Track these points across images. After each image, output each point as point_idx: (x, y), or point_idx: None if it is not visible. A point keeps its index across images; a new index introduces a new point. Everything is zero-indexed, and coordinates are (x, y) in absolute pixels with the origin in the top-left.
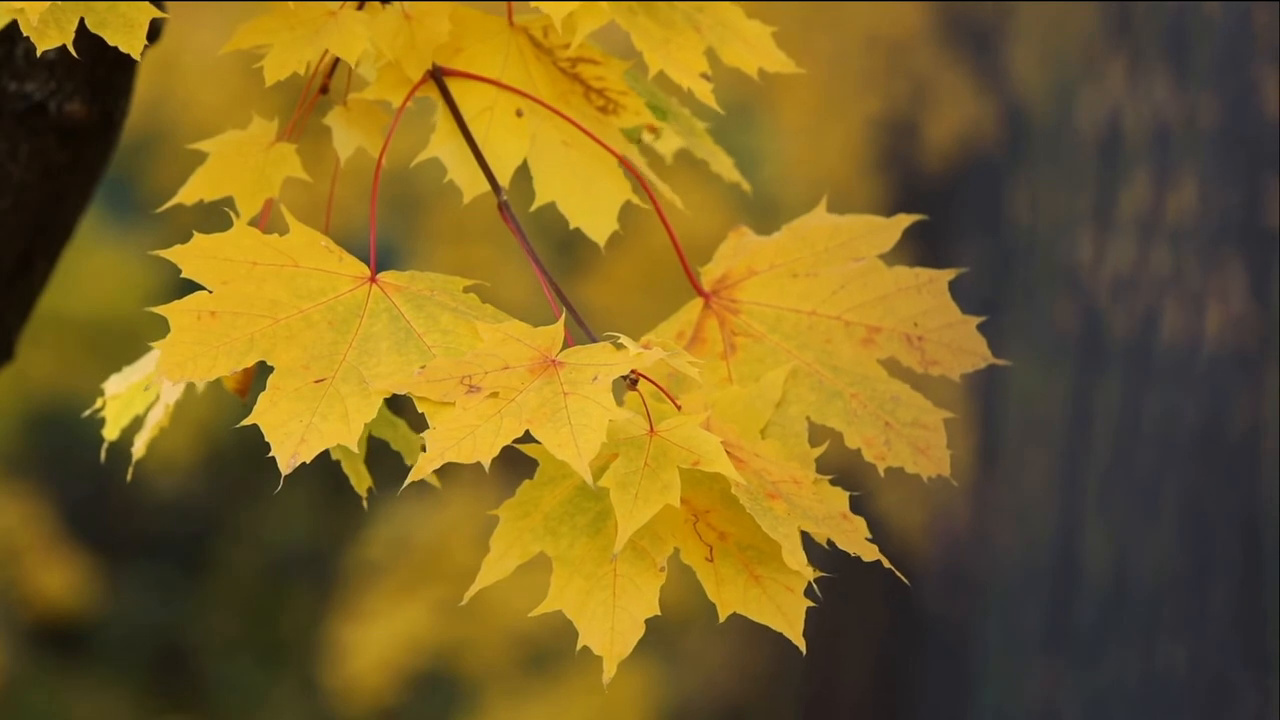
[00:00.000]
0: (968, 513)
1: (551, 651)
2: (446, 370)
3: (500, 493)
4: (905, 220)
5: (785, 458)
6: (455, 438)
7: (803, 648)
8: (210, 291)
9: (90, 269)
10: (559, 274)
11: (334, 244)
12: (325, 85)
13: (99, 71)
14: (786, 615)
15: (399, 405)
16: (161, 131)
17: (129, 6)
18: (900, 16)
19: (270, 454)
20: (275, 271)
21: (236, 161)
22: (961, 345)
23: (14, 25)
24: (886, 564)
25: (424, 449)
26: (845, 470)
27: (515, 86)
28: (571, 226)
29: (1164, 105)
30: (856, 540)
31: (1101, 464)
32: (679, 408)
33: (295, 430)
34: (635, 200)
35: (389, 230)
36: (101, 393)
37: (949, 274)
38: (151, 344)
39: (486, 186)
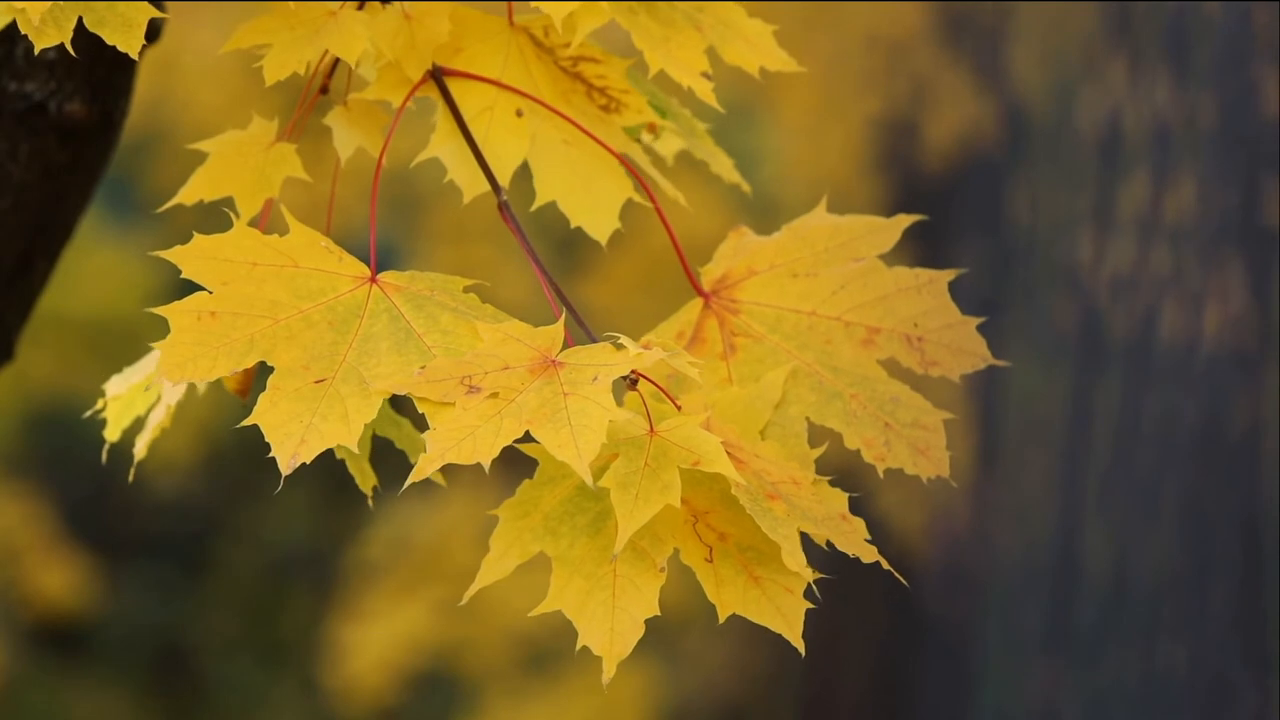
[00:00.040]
0: (968, 513)
1: (551, 651)
2: (446, 370)
3: (500, 493)
4: (905, 220)
5: (785, 458)
6: (455, 438)
7: (802, 649)
8: (210, 292)
9: (90, 269)
10: (559, 274)
11: (334, 244)
12: (325, 85)
13: (99, 71)
14: (786, 616)
15: (402, 405)
16: (161, 131)
17: (127, 6)
18: (900, 16)
19: (270, 454)
20: (275, 272)
21: (236, 161)
22: (961, 346)
23: (14, 25)
24: (886, 565)
25: (425, 449)
26: (845, 471)
27: (515, 86)
28: (573, 225)
29: (1164, 105)
30: (856, 541)
31: (1101, 464)
32: (679, 408)
33: (295, 431)
34: (637, 198)
35: (389, 230)
36: (102, 393)
37: (949, 274)
38: (152, 344)
39: (486, 186)
